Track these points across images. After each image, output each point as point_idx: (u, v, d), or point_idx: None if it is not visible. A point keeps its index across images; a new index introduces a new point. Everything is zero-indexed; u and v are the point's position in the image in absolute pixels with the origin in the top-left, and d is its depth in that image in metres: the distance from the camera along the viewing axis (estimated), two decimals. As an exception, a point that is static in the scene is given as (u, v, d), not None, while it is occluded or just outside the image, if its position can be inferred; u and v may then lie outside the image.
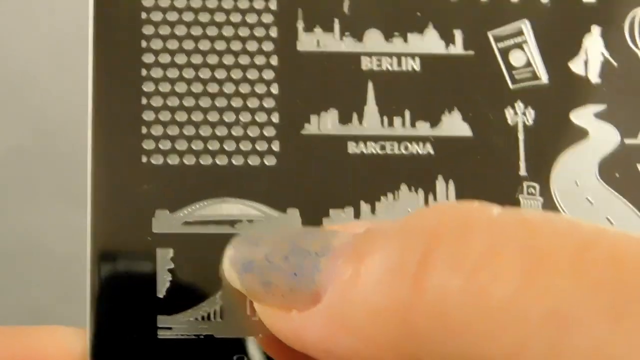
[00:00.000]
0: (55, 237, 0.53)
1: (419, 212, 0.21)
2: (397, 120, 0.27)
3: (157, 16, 0.26)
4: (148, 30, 0.26)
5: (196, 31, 0.26)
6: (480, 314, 0.19)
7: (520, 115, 0.27)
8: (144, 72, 0.26)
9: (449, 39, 0.27)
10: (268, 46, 0.27)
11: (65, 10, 0.54)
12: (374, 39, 0.27)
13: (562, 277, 0.18)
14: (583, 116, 0.27)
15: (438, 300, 0.19)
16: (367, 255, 0.21)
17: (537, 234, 0.19)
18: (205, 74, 0.26)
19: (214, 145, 0.26)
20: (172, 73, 0.26)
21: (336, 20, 0.27)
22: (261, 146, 0.26)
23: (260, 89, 0.26)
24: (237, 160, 0.26)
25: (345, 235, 0.22)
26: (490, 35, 0.27)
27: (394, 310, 0.20)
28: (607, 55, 0.28)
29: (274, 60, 0.27)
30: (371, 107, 0.27)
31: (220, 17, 0.27)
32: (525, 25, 0.27)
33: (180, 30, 0.26)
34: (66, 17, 0.54)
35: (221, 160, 0.26)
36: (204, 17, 0.26)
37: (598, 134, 0.27)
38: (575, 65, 0.27)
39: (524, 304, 0.18)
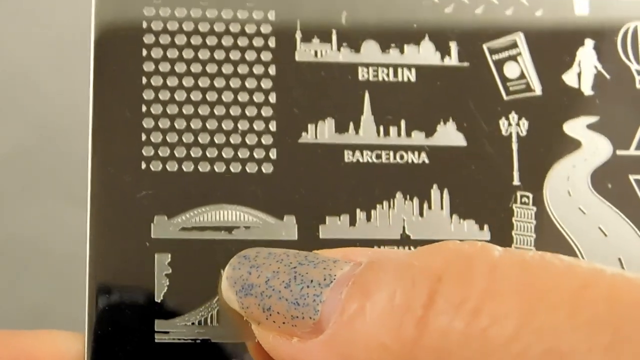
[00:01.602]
0: (55, 237, 0.53)
1: (423, 250, 0.22)
2: (392, 130, 0.27)
3: (157, 25, 0.27)
4: (149, 38, 0.27)
5: (196, 40, 0.27)
6: (482, 352, 0.20)
7: (514, 126, 0.27)
8: (144, 80, 0.26)
9: (444, 51, 0.27)
10: (266, 56, 0.27)
11: (66, 12, 0.54)
12: (370, 50, 0.27)
13: (561, 316, 0.19)
14: (576, 127, 0.27)
15: (441, 339, 0.20)
16: (373, 291, 0.21)
17: (536, 275, 0.20)
18: (204, 82, 0.27)
19: (212, 153, 0.26)
20: (172, 81, 0.27)
21: (334, 32, 0.27)
22: (259, 154, 0.26)
23: (258, 97, 0.27)
24: (235, 168, 0.26)
25: (347, 266, 0.22)
26: (485, 47, 0.28)
27: (399, 347, 0.21)
28: (599, 67, 0.28)
29: (272, 70, 0.27)
30: (367, 116, 0.27)
31: (219, 27, 0.27)
32: (520, 38, 0.28)
33: (180, 39, 0.27)
34: (67, 19, 0.54)
35: (219, 167, 0.26)
36: (203, 27, 0.27)
37: (591, 145, 0.27)
38: (569, 78, 0.28)
39: (524, 342, 0.19)
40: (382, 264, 0.22)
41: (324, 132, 0.27)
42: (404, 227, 0.26)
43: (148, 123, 0.26)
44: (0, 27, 0.54)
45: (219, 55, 0.27)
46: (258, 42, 0.27)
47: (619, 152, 0.27)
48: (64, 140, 0.53)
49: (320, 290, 0.22)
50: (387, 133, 0.27)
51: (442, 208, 0.27)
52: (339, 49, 0.27)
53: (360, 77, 0.27)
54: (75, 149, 0.52)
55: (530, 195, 0.27)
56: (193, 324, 0.25)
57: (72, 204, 0.50)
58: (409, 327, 0.20)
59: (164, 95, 0.26)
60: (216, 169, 0.26)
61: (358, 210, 0.26)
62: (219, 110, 0.26)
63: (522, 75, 0.28)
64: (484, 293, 0.20)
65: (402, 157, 0.27)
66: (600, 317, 0.19)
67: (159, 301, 0.25)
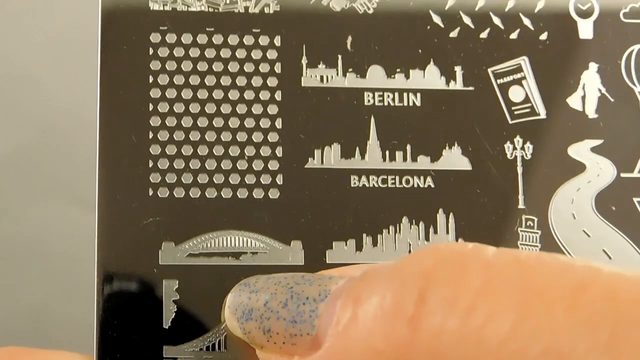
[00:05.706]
0: (55, 237, 0.53)
1: (414, 253, 0.22)
2: (398, 155, 0.27)
3: (164, 52, 0.27)
4: (155, 65, 0.27)
5: (202, 67, 0.27)
6: (477, 352, 0.19)
7: (519, 150, 0.27)
8: (150, 106, 0.26)
9: (449, 76, 0.28)
10: (272, 81, 0.27)
11: (69, 13, 0.54)
12: (376, 75, 0.27)
13: (558, 314, 0.19)
14: (580, 150, 0.28)
15: (435, 339, 0.20)
16: (364, 298, 0.21)
17: (531, 274, 0.20)
18: (211, 108, 0.27)
19: (219, 179, 0.26)
20: (179, 107, 0.27)
21: (339, 57, 0.27)
22: (265, 179, 0.27)
23: (264, 123, 0.27)
24: (242, 193, 0.26)
25: (342, 280, 0.22)
26: (490, 71, 0.28)
27: (392, 350, 0.20)
28: (603, 91, 0.28)
29: (278, 95, 0.27)
30: (373, 141, 0.27)
31: (225, 53, 0.27)
32: (524, 62, 0.28)
33: (187, 66, 0.27)
34: (69, 20, 0.54)
35: (226, 193, 0.26)
36: (210, 53, 0.27)
37: (595, 168, 0.28)
38: (573, 101, 0.28)
39: (520, 341, 0.19)
40: (374, 272, 0.22)
41: (330, 157, 0.27)
42: (410, 252, 0.27)
43: (155, 150, 0.26)
44: (1, 27, 0.54)
45: (225, 81, 0.27)
46: (264, 67, 0.27)
47: (623, 175, 0.28)
48: (65, 141, 0.53)
49: (315, 305, 0.22)
50: (392, 158, 0.27)
51: (447, 232, 0.27)
52: (344, 75, 0.27)
53: (366, 102, 0.27)
54: (75, 150, 0.52)
55: (535, 219, 0.27)
56: (201, 349, 0.25)
57: (73, 204, 0.50)
58: (401, 328, 0.20)
59: (171, 121, 0.26)
60: (223, 195, 0.26)
61: (364, 235, 0.26)
62: (226, 137, 0.27)
63: (526, 99, 0.28)
64: (479, 291, 0.20)
65: (407, 182, 0.27)
66: (599, 315, 0.18)
67: (167, 327, 0.25)
